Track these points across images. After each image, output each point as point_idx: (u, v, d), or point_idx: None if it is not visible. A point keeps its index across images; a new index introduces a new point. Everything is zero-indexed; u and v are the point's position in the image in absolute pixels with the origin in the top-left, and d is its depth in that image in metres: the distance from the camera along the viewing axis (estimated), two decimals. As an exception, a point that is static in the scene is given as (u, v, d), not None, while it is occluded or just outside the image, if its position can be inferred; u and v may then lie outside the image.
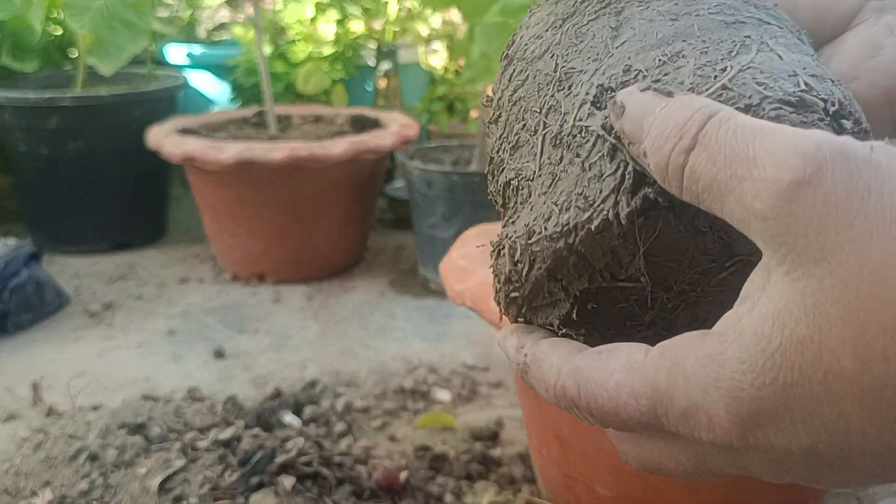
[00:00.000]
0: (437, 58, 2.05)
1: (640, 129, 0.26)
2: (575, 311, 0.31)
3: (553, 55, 0.34)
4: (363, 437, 1.07)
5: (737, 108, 0.26)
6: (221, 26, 2.46)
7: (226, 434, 1.04)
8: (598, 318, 0.32)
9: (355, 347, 1.35)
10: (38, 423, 1.10)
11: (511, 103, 0.36)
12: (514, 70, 0.36)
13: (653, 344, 0.27)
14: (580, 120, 0.30)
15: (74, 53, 1.95)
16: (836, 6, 0.34)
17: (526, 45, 0.36)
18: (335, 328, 1.43)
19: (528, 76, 0.35)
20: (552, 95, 0.33)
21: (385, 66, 2.12)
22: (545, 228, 0.30)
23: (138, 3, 1.70)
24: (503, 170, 0.35)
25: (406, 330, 1.42)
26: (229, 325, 1.44)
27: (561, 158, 0.31)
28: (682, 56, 0.29)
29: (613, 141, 0.28)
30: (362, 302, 1.55)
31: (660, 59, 0.29)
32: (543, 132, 0.32)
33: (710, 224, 0.28)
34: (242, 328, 1.43)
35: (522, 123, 0.34)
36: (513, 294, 0.33)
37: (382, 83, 2.13)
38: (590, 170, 0.29)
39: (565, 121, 0.31)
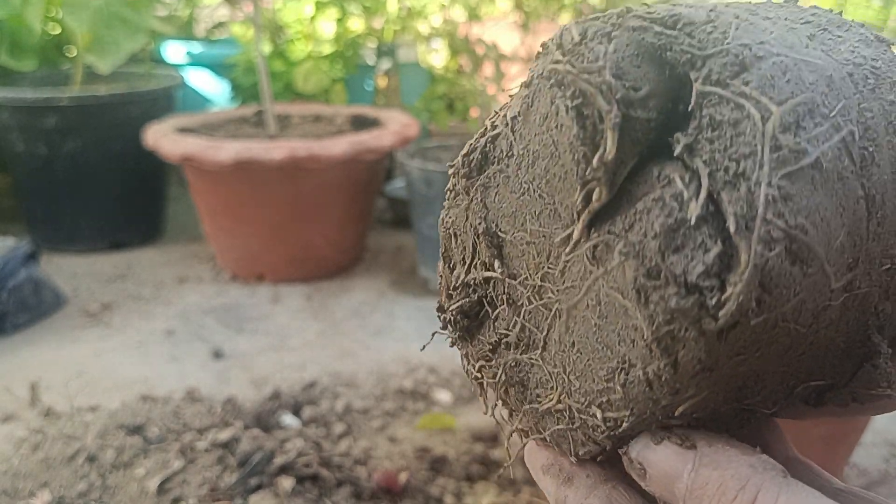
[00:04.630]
0: (436, 56, 2.04)
1: (671, 495, 0.24)
2: (462, 304, 0.31)
3: None
4: (363, 438, 1.06)
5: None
6: (220, 25, 2.45)
7: (224, 435, 1.03)
8: (471, 319, 0.31)
9: (355, 348, 1.34)
10: (35, 424, 1.09)
11: None
12: None
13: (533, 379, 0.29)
14: None
15: (72, 52, 1.94)
16: None
17: None
18: (334, 328, 1.42)
19: None
20: None
21: (385, 64, 2.11)
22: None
23: (136, 2, 1.70)
24: None
25: (406, 330, 1.42)
26: (228, 325, 1.44)
27: None
28: None
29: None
30: (362, 302, 1.54)
31: None
32: None
33: (530, 181, 0.26)
34: (241, 328, 1.42)
35: None
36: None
37: (382, 82, 2.12)
38: None
39: None
